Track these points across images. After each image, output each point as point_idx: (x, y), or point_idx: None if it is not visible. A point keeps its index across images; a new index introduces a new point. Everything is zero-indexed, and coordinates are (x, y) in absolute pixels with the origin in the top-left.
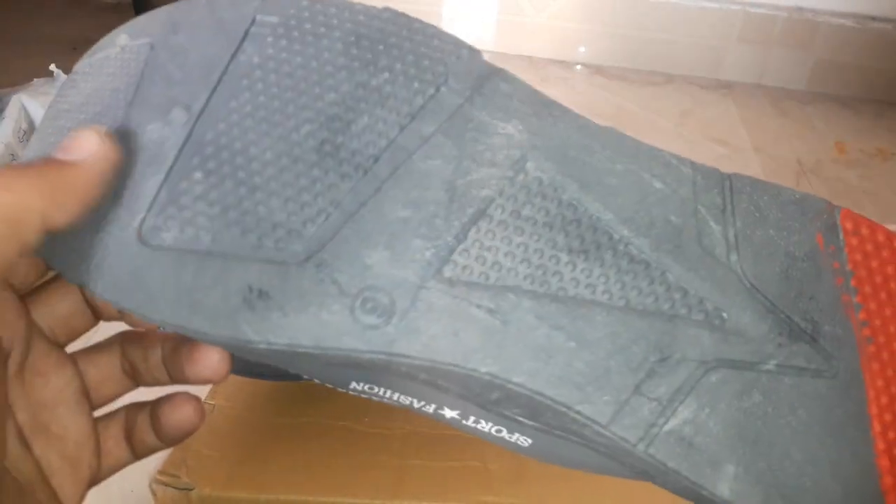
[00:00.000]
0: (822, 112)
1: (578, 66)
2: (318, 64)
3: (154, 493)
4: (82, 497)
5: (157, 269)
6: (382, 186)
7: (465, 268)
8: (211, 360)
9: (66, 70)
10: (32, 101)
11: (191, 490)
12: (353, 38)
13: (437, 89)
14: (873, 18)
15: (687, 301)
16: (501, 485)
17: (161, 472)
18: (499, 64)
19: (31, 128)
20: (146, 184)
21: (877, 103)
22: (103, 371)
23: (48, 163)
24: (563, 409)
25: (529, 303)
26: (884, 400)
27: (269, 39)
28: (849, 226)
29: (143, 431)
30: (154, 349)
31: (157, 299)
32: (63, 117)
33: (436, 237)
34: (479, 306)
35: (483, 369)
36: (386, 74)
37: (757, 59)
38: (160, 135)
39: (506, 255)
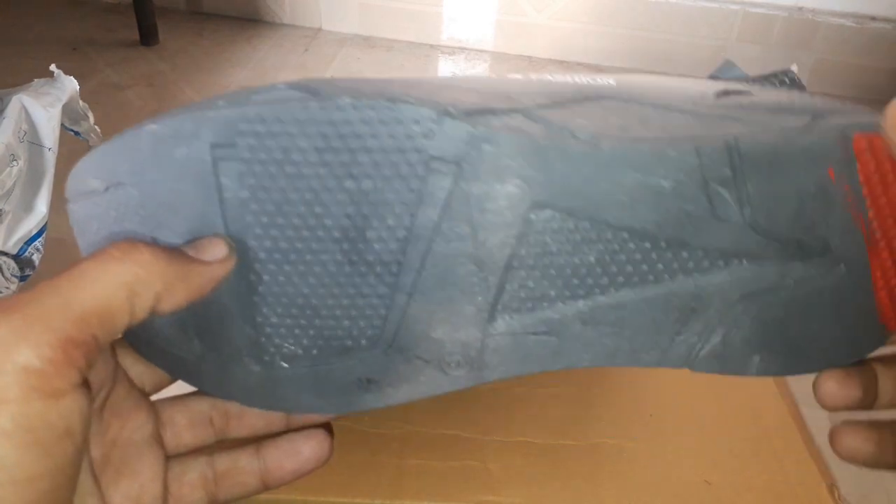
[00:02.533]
0: None
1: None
2: (304, 183)
3: None
4: None
5: (283, 383)
6: (419, 277)
7: (513, 310)
8: (315, 441)
9: (67, 71)
10: (33, 102)
11: None
12: (321, 145)
13: (424, 178)
14: (873, 18)
15: (711, 263)
16: (501, 485)
17: None
18: (499, 64)
19: (32, 128)
20: (230, 326)
21: (876, 103)
22: (189, 417)
23: (177, 253)
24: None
25: (573, 316)
26: (888, 265)
27: (243, 169)
28: (862, 146)
29: (244, 474)
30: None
31: (288, 400)
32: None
33: (480, 300)
34: (535, 333)
35: (554, 368)
36: (370, 175)
37: (757, 58)
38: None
39: (543, 286)
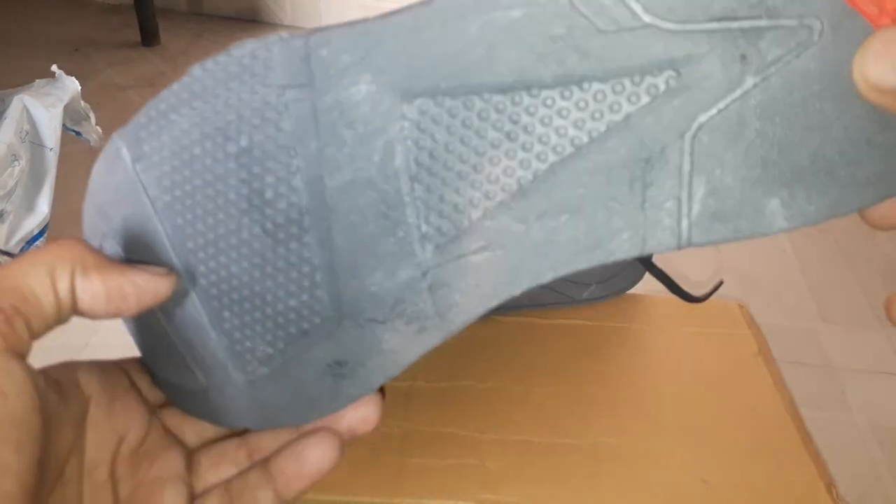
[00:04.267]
0: None
1: None
2: (199, 165)
3: None
4: None
5: (271, 393)
6: (330, 223)
7: (438, 232)
8: (326, 446)
9: (68, 71)
10: (34, 102)
11: None
12: (196, 120)
13: (285, 111)
14: None
15: (631, 91)
16: (500, 483)
17: None
18: None
19: (33, 128)
20: (209, 343)
21: None
22: (213, 458)
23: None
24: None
25: (506, 217)
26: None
27: (157, 173)
28: None
29: (256, 489)
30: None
31: (282, 411)
32: None
33: (399, 228)
34: (474, 252)
35: (517, 291)
36: (242, 130)
37: None
38: (181, 303)
39: (455, 193)
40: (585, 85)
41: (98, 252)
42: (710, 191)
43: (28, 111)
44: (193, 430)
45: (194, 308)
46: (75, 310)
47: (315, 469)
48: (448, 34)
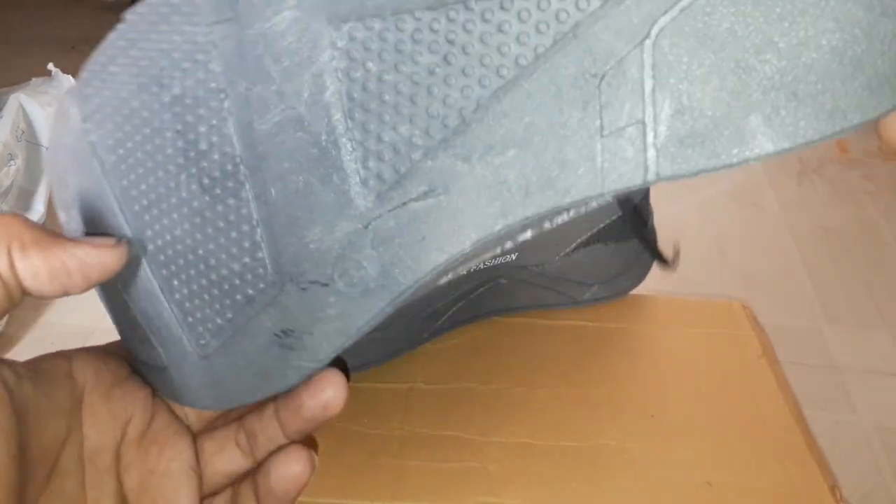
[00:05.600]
0: None
1: None
2: (137, 118)
3: None
4: None
5: (223, 368)
6: (264, 173)
7: (379, 178)
8: (331, 380)
9: (65, 69)
10: (30, 101)
11: None
12: (135, 71)
13: (214, 46)
14: None
15: (571, 3)
16: (500, 486)
17: None
18: None
19: (30, 127)
20: (163, 314)
21: None
22: (218, 442)
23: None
24: (558, 211)
25: (448, 155)
26: None
27: (103, 132)
28: None
29: (246, 499)
30: (267, 407)
31: (235, 389)
32: None
33: (334, 175)
34: (416, 199)
35: (466, 243)
36: (176, 79)
37: None
38: (135, 272)
39: (393, 131)
40: None
41: (38, 227)
42: (677, 109)
43: (24, 110)
44: (194, 411)
45: (147, 277)
46: (23, 290)
47: (291, 487)
48: None
